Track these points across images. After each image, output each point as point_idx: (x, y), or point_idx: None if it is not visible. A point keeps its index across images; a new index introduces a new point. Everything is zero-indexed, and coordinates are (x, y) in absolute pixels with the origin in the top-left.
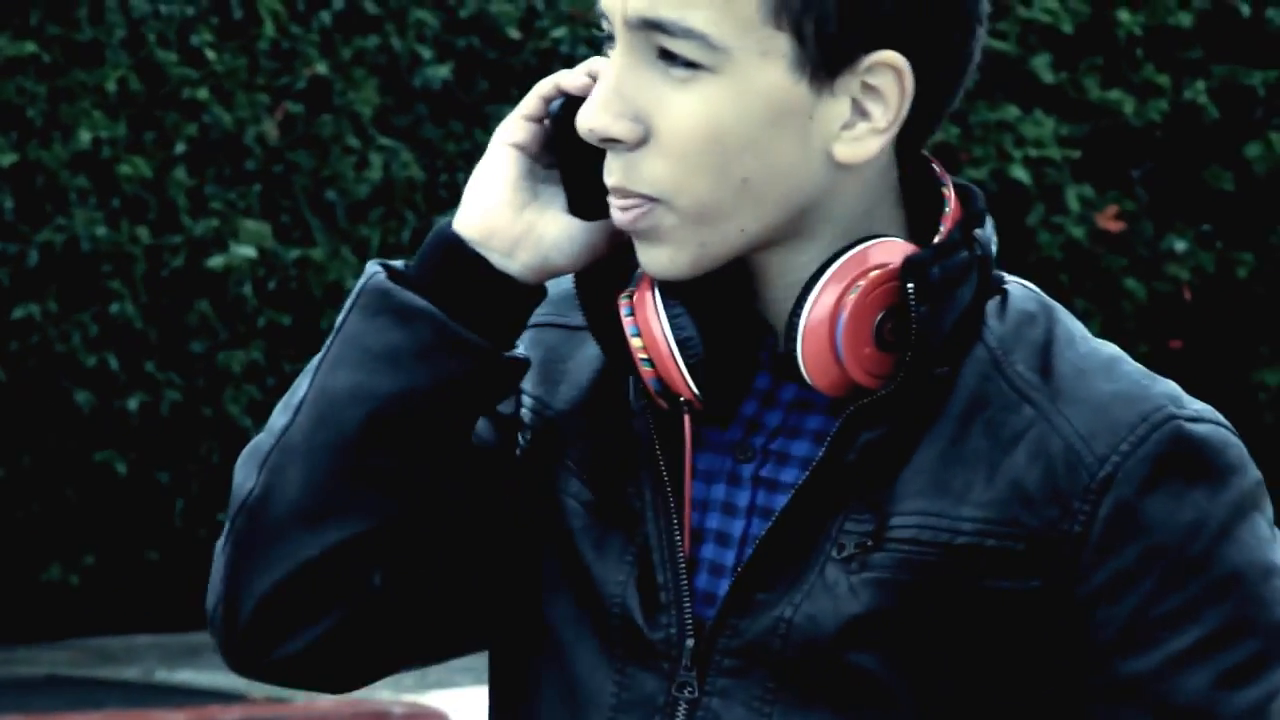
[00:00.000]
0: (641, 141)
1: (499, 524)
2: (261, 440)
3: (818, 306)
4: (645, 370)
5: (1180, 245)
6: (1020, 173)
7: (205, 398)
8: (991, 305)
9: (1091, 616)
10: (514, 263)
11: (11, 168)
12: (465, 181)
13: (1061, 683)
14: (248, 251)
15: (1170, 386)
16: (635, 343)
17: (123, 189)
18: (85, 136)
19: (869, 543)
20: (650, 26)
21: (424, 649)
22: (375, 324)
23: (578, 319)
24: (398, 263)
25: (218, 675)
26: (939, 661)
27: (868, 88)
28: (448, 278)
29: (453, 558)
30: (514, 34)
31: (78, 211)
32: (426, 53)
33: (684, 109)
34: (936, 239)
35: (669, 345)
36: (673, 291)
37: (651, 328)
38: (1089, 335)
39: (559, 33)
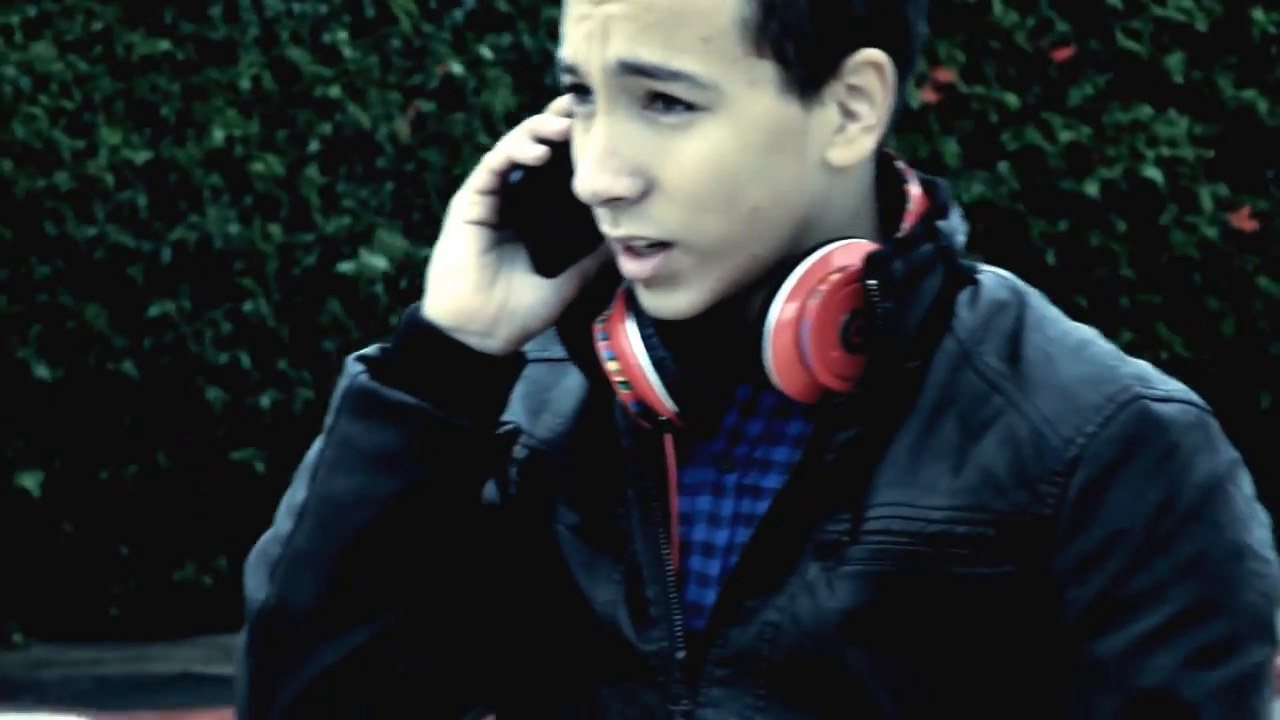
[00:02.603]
0: (645, 193)
1: (504, 568)
2: (268, 547)
3: (782, 315)
4: (624, 393)
5: None
6: (1153, 172)
7: None
8: (963, 296)
9: (1061, 599)
10: (494, 340)
11: (145, 165)
12: None
13: (1035, 668)
14: (379, 262)
15: (1141, 367)
16: (611, 366)
17: (255, 187)
18: (219, 134)
19: (845, 539)
20: (634, 72)
21: (451, 705)
22: (367, 426)
23: (560, 350)
24: (373, 350)
25: None
26: (919, 653)
27: (852, 89)
28: (431, 368)
29: (469, 616)
30: None
31: (210, 209)
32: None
33: (686, 154)
34: (898, 235)
35: (643, 367)
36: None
37: (626, 351)
38: (1062, 318)
39: None
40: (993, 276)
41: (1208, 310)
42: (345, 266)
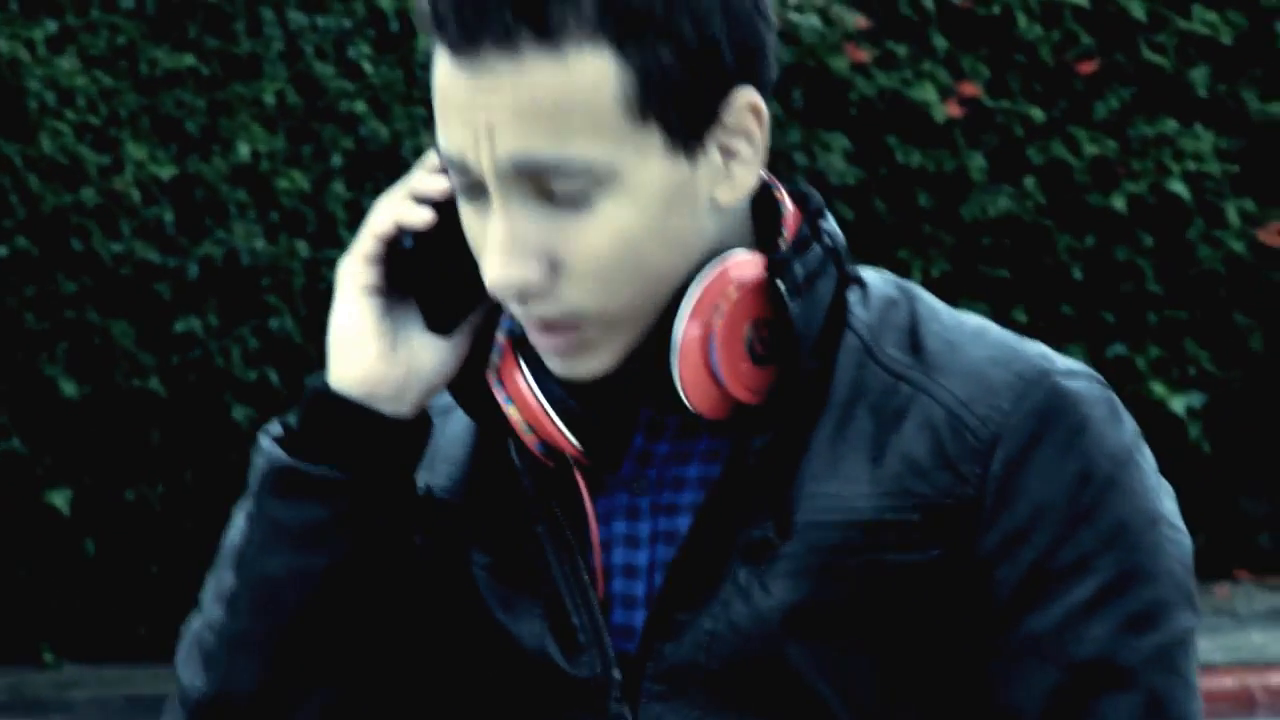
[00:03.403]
0: (552, 275)
1: (427, 620)
2: (200, 635)
3: (687, 336)
4: (527, 436)
5: None
6: (1179, 187)
7: None
8: (854, 295)
9: (991, 577)
10: (404, 405)
11: (171, 181)
12: None
13: (969, 648)
14: None
15: (1040, 346)
16: (511, 412)
17: (281, 202)
18: (244, 150)
19: (774, 538)
20: (528, 167)
21: None
22: (291, 503)
23: (437, 402)
24: (277, 428)
25: None
26: (857, 643)
27: (731, 130)
28: (347, 438)
29: (403, 672)
30: None
31: (237, 225)
32: None
33: (588, 234)
34: (785, 239)
35: (544, 408)
36: (537, 354)
37: (523, 394)
38: (952, 310)
39: None
40: (876, 276)
41: (1235, 325)
42: None
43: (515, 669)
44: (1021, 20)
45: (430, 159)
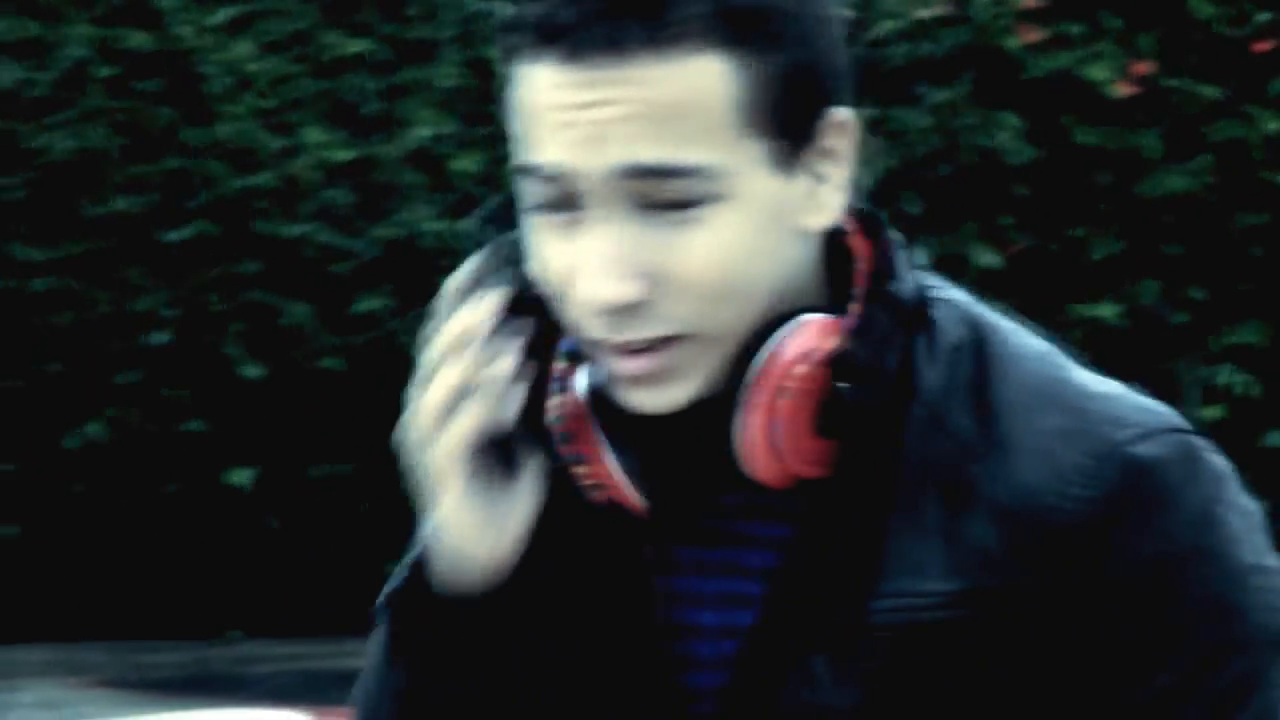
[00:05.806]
0: (651, 292)
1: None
2: None
3: (750, 420)
4: (596, 494)
5: None
6: None
7: None
8: (920, 346)
9: (1075, 665)
10: (513, 556)
11: (348, 164)
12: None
13: None
14: None
15: (1111, 405)
16: (581, 470)
17: (455, 184)
18: (419, 133)
19: (846, 630)
20: (640, 175)
21: None
22: (418, 674)
23: None
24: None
25: None
26: None
27: (823, 152)
28: (466, 620)
29: None
30: None
31: (413, 206)
32: None
33: (697, 246)
34: (852, 312)
35: (618, 477)
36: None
37: (596, 457)
38: (1020, 346)
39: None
40: (946, 310)
41: None
42: None
43: None
44: None
45: (446, 304)
